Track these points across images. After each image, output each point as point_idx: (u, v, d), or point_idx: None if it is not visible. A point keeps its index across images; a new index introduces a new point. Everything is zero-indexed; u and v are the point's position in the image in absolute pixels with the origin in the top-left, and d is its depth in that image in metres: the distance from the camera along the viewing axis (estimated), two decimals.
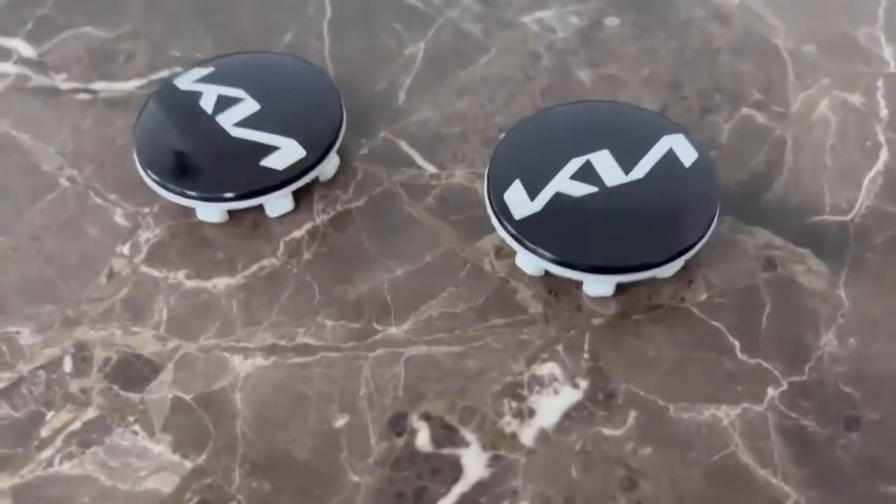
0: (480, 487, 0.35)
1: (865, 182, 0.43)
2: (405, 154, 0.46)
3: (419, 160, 0.45)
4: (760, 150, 0.45)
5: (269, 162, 0.41)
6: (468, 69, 0.50)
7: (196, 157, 0.42)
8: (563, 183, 0.39)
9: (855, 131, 0.45)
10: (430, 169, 0.45)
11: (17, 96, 0.50)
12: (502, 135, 0.43)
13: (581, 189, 0.39)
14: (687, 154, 0.40)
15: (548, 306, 0.39)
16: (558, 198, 0.39)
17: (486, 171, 0.41)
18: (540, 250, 0.38)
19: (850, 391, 0.36)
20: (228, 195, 0.41)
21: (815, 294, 0.39)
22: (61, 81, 0.50)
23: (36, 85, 0.50)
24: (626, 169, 0.40)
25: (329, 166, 0.43)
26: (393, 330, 0.39)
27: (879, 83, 0.48)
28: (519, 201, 0.39)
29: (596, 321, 0.39)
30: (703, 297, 0.39)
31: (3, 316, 0.40)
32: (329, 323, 0.39)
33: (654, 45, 0.50)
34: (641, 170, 0.40)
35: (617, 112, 0.43)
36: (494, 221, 0.40)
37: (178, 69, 0.51)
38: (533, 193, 0.39)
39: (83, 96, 0.49)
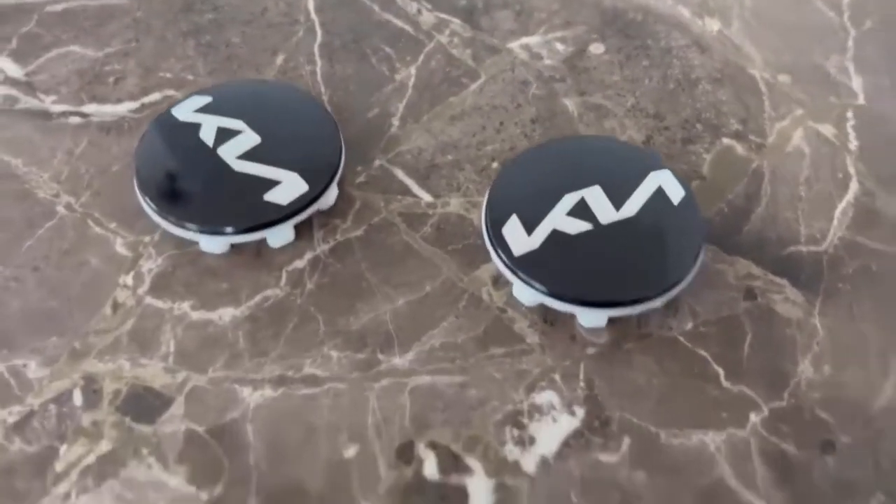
0: None
1: (837, 213, 0.46)
2: (401, 182, 0.47)
3: (415, 188, 0.47)
4: (740, 181, 0.47)
5: (273, 196, 0.42)
6: (459, 95, 0.51)
7: (200, 191, 0.43)
8: (560, 219, 0.41)
9: (827, 163, 0.48)
10: (426, 197, 0.46)
11: (5, 119, 0.50)
12: (495, 164, 0.44)
13: (576, 226, 0.41)
14: (674, 191, 0.43)
15: (544, 336, 0.41)
16: (555, 235, 0.41)
17: (484, 204, 0.43)
18: (537, 284, 0.40)
19: (826, 416, 0.39)
20: (233, 229, 0.42)
21: (792, 323, 0.42)
22: (51, 104, 0.50)
23: (25, 107, 0.50)
24: (618, 205, 0.42)
25: (329, 196, 0.45)
26: (397, 360, 0.41)
27: (849, 114, 0.50)
28: (517, 237, 0.41)
29: (590, 350, 0.41)
30: (689, 326, 0.42)
31: (9, 350, 0.41)
32: (335, 354, 0.41)
33: (637, 75, 0.52)
34: (632, 207, 0.42)
35: (605, 148, 0.45)
36: (493, 256, 0.41)
37: (170, 92, 0.51)
38: (530, 229, 0.41)
39: (75, 119, 0.50)
